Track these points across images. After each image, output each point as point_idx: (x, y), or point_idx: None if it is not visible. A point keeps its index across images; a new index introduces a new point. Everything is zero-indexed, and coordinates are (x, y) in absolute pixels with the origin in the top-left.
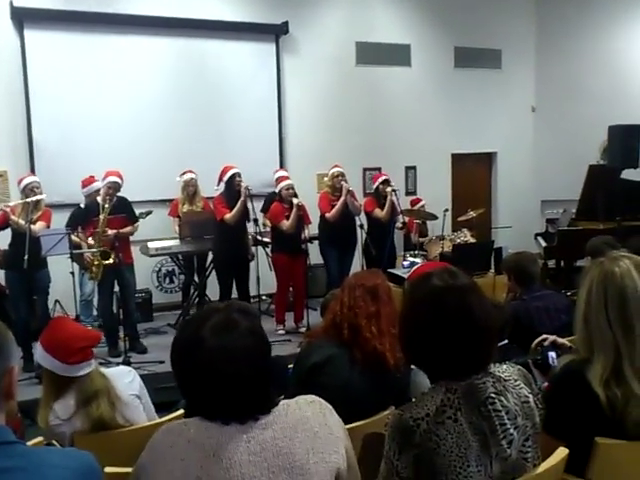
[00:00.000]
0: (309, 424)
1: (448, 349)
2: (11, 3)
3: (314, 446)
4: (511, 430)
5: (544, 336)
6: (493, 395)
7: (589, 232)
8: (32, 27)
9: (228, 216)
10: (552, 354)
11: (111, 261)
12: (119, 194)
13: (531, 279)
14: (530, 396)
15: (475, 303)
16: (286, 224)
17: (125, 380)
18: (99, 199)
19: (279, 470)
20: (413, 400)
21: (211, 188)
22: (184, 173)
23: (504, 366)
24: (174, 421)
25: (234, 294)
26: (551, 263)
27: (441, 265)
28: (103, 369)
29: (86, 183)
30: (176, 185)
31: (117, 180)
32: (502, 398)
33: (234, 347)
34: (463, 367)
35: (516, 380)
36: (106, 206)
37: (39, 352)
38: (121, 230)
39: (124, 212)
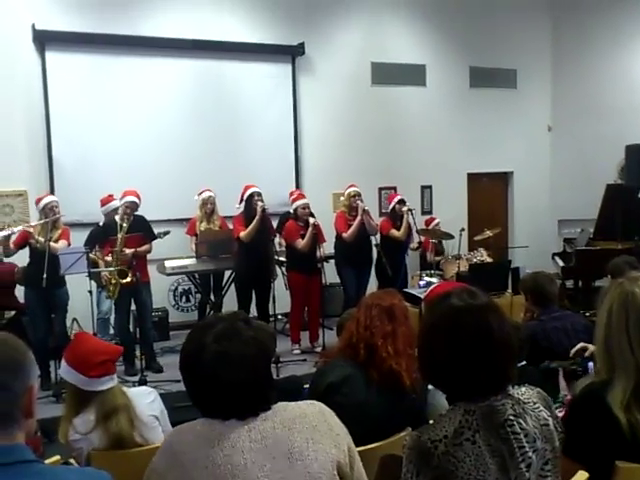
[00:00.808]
0: (308, 419)
1: (466, 369)
2: (33, 26)
3: (313, 437)
4: (530, 453)
5: (582, 344)
6: (512, 417)
7: (607, 252)
8: (53, 49)
9: (243, 234)
10: (591, 364)
11: (129, 280)
12: (137, 213)
13: (549, 299)
14: (550, 419)
15: (494, 323)
16: (301, 243)
17: (146, 400)
18: (117, 218)
19: (279, 455)
20: (431, 422)
21: (228, 207)
22: (202, 192)
23: (523, 388)
24: (183, 424)
25: (252, 313)
26: (569, 283)
27: (458, 285)
28: (125, 388)
29: (104, 202)
30: (194, 204)
31: (135, 200)
32: (521, 421)
33: (234, 354)
34: (482, 388)
35: (535, 403)
36: (124, 225)
37: (62, 367)
38: (138, 249)
39: (141, 231)
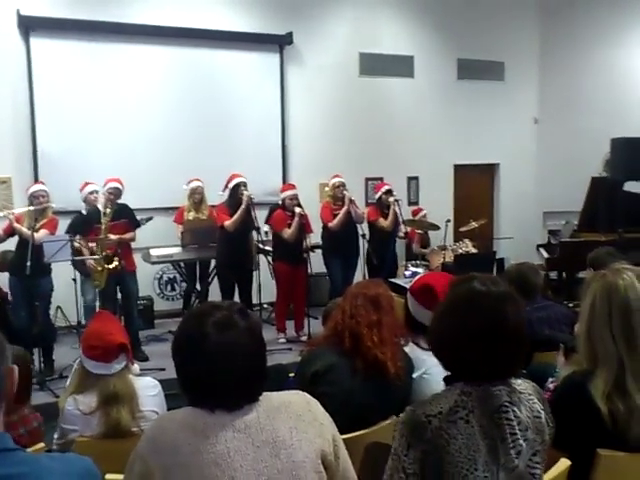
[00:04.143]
0: (292, 408)
1: (473, 351)
2: (18, 12)
3: (297, 426)
4: (521, 441)
5: None
6: (507, 404)
7: (591, 244)
8: (38, 35)
9: (228, 223)
10: None
11: (115, 264)
12: (120, 201)
13: (533, 290)
14: (542, 413)
15: (511, 313)
16: (288, 232)
17: (149, 393)
18: (100, 206)
19: (263, 444)
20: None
21: (216, 196)
22: (191, 181)
23: (519, 380)
24: (168, 412)
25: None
26: (553, 274)
27: (444, 275)
28: (132, 378)
29: (81, 188)
30: (180, 193)
31: (118, 186)
32: (515, 408)
33: (235, 345)
34: (483, 373)
35: (530, 395)
36: (107, 211)
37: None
38: (123, 236)
39: (125, 218)
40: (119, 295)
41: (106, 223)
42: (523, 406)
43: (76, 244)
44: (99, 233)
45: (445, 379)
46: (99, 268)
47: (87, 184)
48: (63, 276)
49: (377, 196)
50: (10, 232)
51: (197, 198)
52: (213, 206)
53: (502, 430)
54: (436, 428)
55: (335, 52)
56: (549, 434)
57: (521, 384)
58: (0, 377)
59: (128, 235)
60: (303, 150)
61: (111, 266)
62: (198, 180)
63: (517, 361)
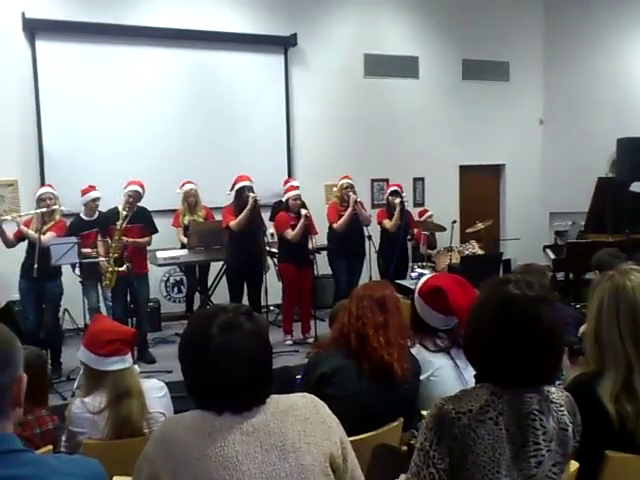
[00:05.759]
0: (300, 411)
1: (505, 356)
2: (23, 14)
3: (305, 429)
4: (543, 451)
5: None
6: (536, 412)
7: (598, 244)
8: (43, 38)
9: (232, 223)
10: None
11: (124, 268)
12: (140, 204)
13: None
14: (570, 426)
15: (545, 317)
16: (291, 233)
17: (156, 395)
18: (120, 207)
19: (271, 448)
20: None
21: (219, 198)
22: (183, 184)
23: (553, 388)
24: (176, 414)
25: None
26: (560, 276)
27: (451, 277)
28: (139, 378)
29: (84, 192)
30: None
31: (138, 189)
32: (543, 418)
33: (238, 347)
34: (514, 378)
35: (561, 406)
36: (124, 213)
37: (80, 348)
38: (137, 240)
39: (143, 222)
40: (129, 297)
41: (121, 225)
42: (551, 416)
43: (84, 250)
44: (114, 234)
45: (476, 377)
46: (110, 269)
47: (91, 189)
48: (70, 279)
49: (385, 198)
50: (20, 236)
51: (192, 201)
52: (216, 208)
53: (526, 437)
54: (464, 426)
55: (340, 53)
56: (573, 447)
57: (554, 393)
58: (8, 384)
59: (143, 239)
60: (308, 151)
61: (121, 269)
62: (191, 182)
63: (551, 368)
